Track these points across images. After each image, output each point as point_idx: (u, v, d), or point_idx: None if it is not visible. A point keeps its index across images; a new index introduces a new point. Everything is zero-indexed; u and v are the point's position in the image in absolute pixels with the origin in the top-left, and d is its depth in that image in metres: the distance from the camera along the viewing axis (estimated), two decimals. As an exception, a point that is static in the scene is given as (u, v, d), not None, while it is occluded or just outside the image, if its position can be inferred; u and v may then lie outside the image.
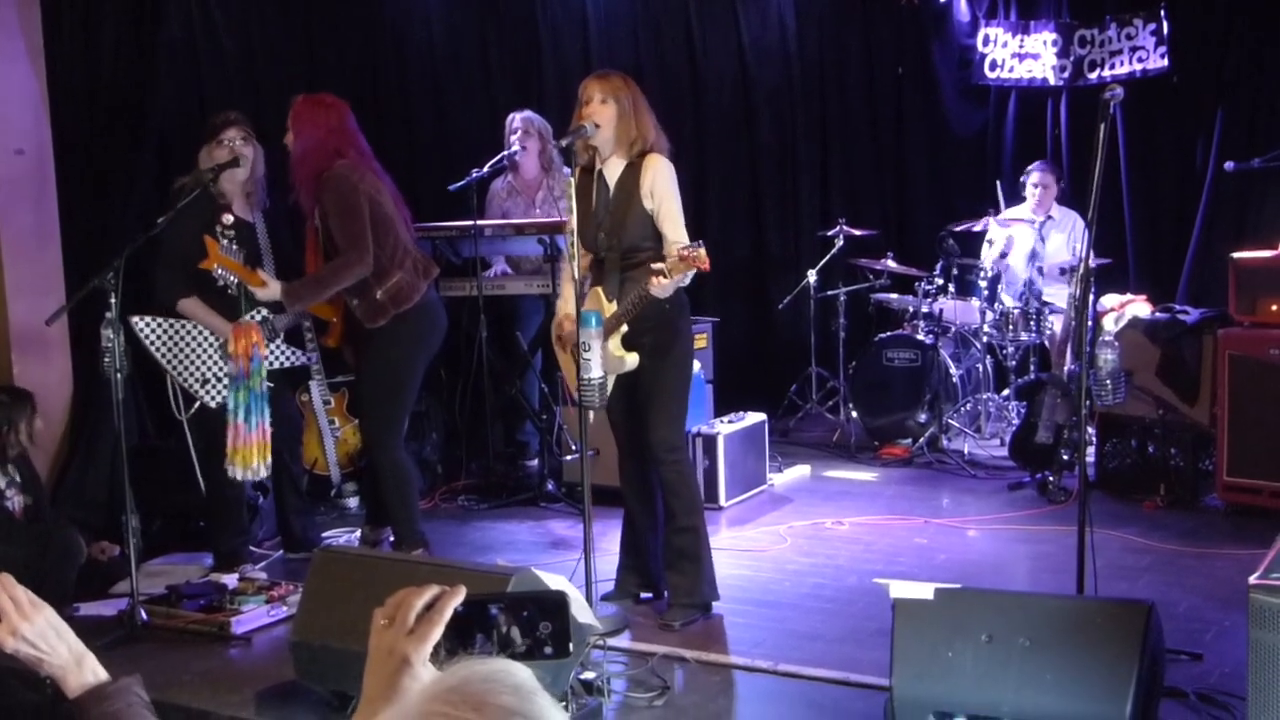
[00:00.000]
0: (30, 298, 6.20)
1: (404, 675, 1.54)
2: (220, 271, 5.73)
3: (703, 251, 4.61)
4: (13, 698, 4.53)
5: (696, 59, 9.48)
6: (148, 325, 5.71)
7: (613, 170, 5.12)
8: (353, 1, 8.18)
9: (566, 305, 5.25)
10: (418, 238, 6.19)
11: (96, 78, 6.59)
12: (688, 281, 4.88)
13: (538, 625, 1.60)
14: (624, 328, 5.01)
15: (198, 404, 5.78)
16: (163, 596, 5.30)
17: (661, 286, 4.74)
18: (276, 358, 5.96)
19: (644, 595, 5.39)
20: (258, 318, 5.81)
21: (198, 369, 5.76)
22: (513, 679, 1.33)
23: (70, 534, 5.62)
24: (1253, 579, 3.39)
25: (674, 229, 5.00)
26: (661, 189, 5.01)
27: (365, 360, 5.93)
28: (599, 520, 5.28)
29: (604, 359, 4.89)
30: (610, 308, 5.01)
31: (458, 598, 1.61)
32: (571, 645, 1.61)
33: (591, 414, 4.94)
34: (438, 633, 1.58)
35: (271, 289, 5.69)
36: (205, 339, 5.78)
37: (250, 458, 5.65)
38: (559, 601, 1.62)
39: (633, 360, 5.05)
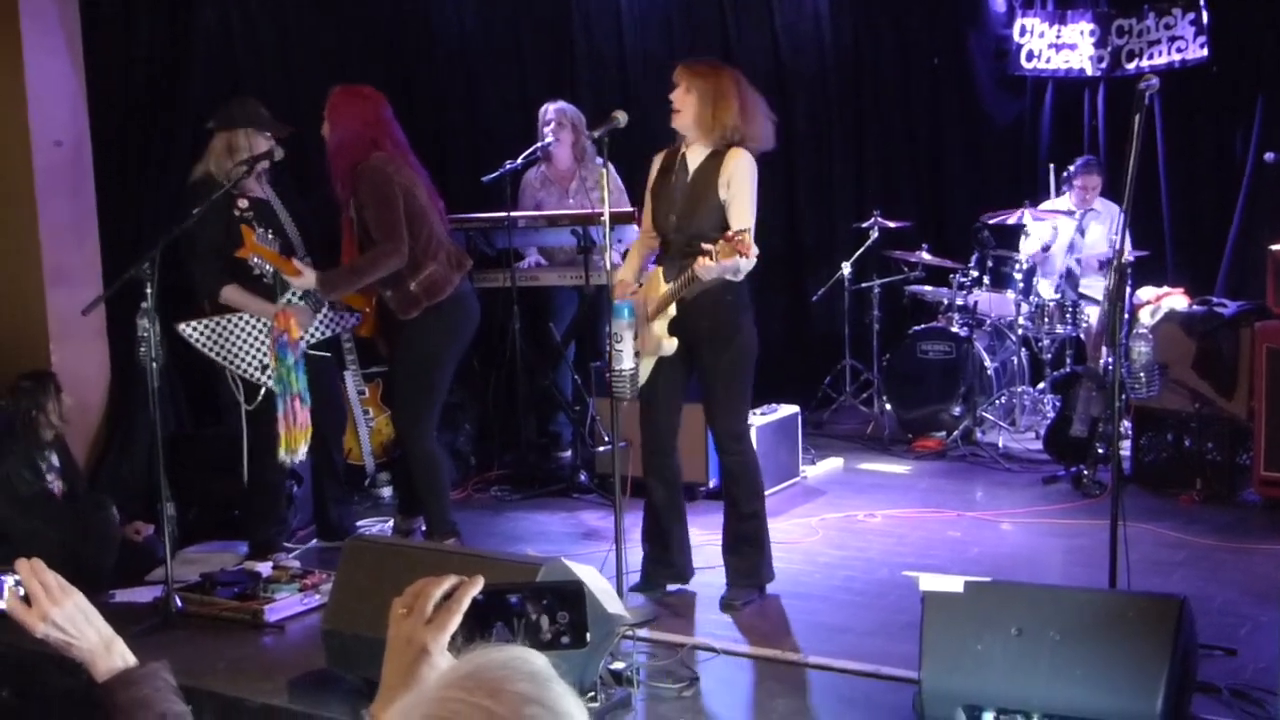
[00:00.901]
0: (68, 287, 6.26)
1: (422, 664, 1.55)
2: (256, 260, 5.74)
3: (748, 237, 4.61)
4: (48, 684, 4.59)
5: (730, 48, 9.43)
6: (194, 330, 5.72)
7: (695, 156, 5.16)
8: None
9: (627, 270, 5.32)
10: (451, 229, 6.20)
11: (132, 68, 6.64)
12: (741, 275, 4.88)
13: (555, 615, 1.61)
14: (672, 310, 5.04)
15: (263, 391, 5.77)
16: (197, 584, 5.34)
17: (705, 268, 4.75)
18: (327, 326, 5.99)
19: (671, 587, 5.39)
20: (299, 292, 5.81)
21: (254, 357, 5.76)
22: (529, 666, 1.34)
23: (107, 516, 5.67)
24: (1286, 574, 3.37)
25: (740, 221, 4.99)
26: (739, 182, 5.03)
27: (398, 351, 5.94)
28: (631, 511, 5.29)
29: (644, 339, 4.92)
30: (665, 288, 5.04)
31: (475, 587, 1.61)
32: (589, 635, 1.62)
33: (627, 404, 4.96)
34: (456, 622, 1.58)
35: (306, 278, 5.68)
36: (253, 326, 5.78)
37: (300, 441, 5.69)
38: (576, 591, 1.62)
39: (670, 345, 5.07)
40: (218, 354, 5.76)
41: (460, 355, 6.04)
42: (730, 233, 4.67)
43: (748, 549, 5.27)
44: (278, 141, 5.77)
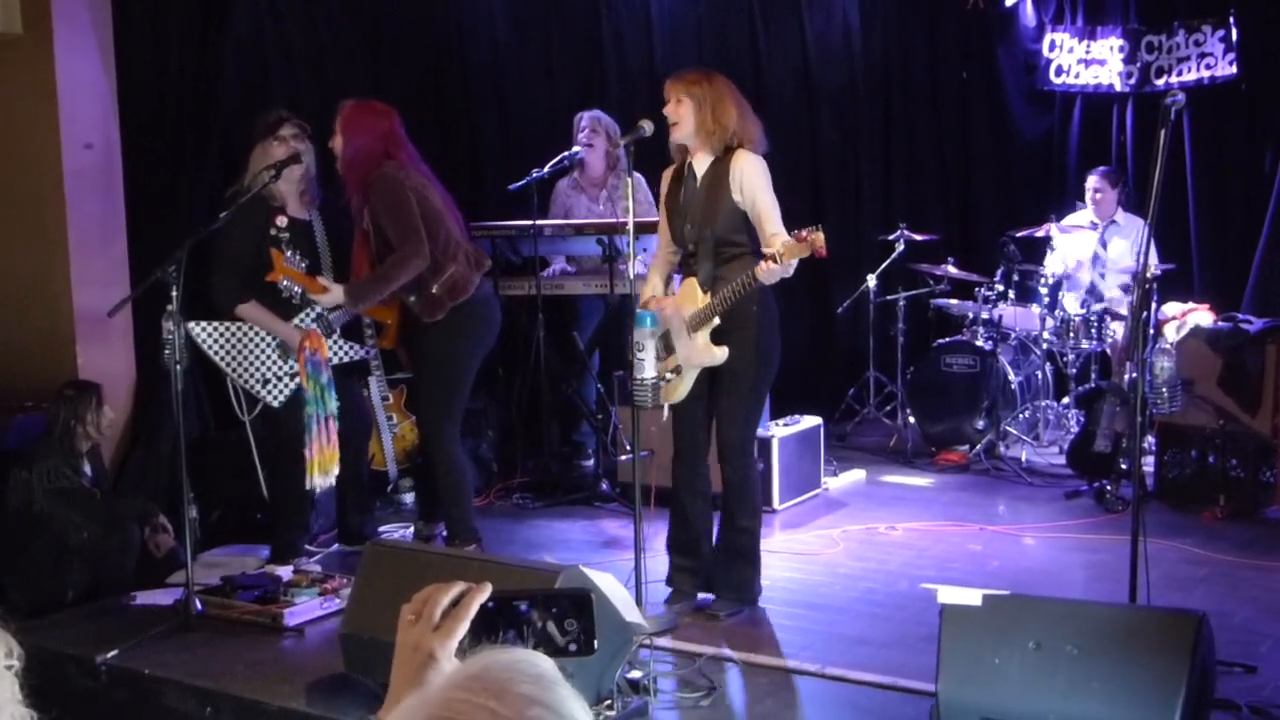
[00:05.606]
0: (96, 289, 6.30)
1: (429, 670, 1.55)
2: (286, 283, 5.80)
3: (821, 236, 4.60)
4: (68, 684, 4.62)
5: (760, 60, 9.45)
6: (204, 330, 5.76)
7: (701, 165, 5.16)
8: (418, 1, 8.26)
9: (651, 286, 5.31)
10: (476, 235, 6.21)
11: (163, 73, 6.68)
12: (791, 272, 4.80)
13: (564, 622, 1.61)
14: (715, 320, 5.03)
15: (260, 405, 5.84)
16: (218, 587, 5.36)
17: (770, 272, 4.74)
18: (336, 354, 6.02)
19: (700, 595, 5.36)
20: (313, 314, 5.86)
21: (258, 370, 5.81)
22: (535, 668, 1.34)
23: (131, 529, 5.69)
24: (1306, 592, 3.35)
25: (773, 223, 4.99)
26: (751, 185, 5.02)
27: (422, 354, 5.94)
28: (653, 521, 5.30)
29: (689, 351, 4.92)
30: (704, 299, 5.03)
31: (483, 594, 1.61)
32: (597, 643, 1.62)
33: (665, 411, 4.98)
34: (463, 628, 1.58)
35: (334, 294, 5.74)
36: (264, 340, 5.83)
37: (332, 462, 5.72)
38: (584, 599, 1.62)
39: (721, 354, 5.05)
40: (224, 360, 5.79)
41: (482, 359, 6.04)
42: (799, 232, 4.65)
43: (741, 563, 5.25)
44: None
